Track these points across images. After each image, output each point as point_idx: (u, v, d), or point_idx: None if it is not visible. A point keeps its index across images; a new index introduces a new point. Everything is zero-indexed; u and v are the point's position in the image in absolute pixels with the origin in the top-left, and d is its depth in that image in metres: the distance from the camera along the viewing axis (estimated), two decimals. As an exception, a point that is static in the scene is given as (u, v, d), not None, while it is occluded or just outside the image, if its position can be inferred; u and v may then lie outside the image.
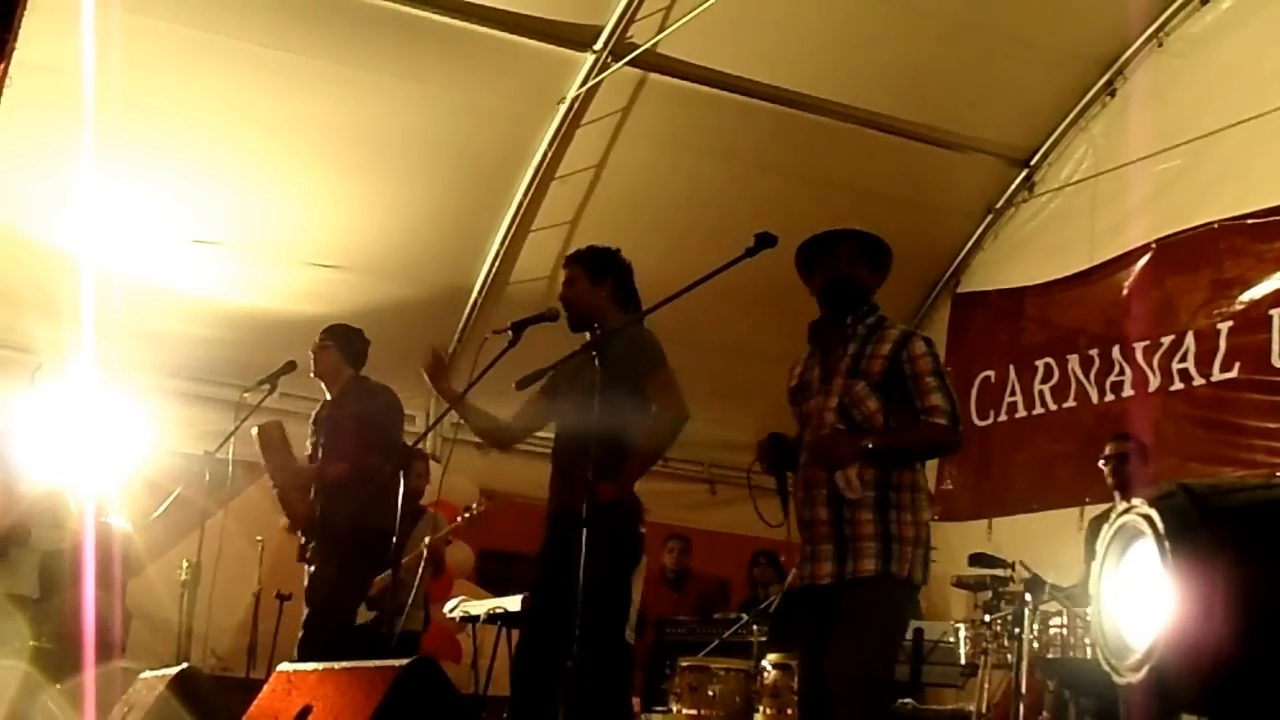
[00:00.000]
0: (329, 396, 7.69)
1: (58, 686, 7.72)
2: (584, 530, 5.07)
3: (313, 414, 7.82)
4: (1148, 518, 2.47)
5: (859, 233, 5.14)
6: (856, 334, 5.03)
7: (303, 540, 7.49)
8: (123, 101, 8.59)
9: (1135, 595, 2.53)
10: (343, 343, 7.66)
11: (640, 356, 5.87)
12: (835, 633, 4.83)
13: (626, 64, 9.20)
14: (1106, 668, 2.59)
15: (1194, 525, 2.38)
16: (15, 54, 8.38)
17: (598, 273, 6.07)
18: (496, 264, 10.36)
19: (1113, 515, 2.62)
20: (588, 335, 6.03)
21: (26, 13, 8.22)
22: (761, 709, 7.50)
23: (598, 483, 5.38)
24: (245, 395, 7.80)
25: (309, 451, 7.70)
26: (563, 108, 9.55)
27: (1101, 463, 7.68)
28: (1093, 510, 8.51)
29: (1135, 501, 2.52)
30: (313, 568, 7.39)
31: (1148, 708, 2.51)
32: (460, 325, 10.63)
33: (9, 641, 8.09)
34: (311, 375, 7.65)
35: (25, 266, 9.30)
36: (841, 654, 4.80)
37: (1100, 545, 2.64)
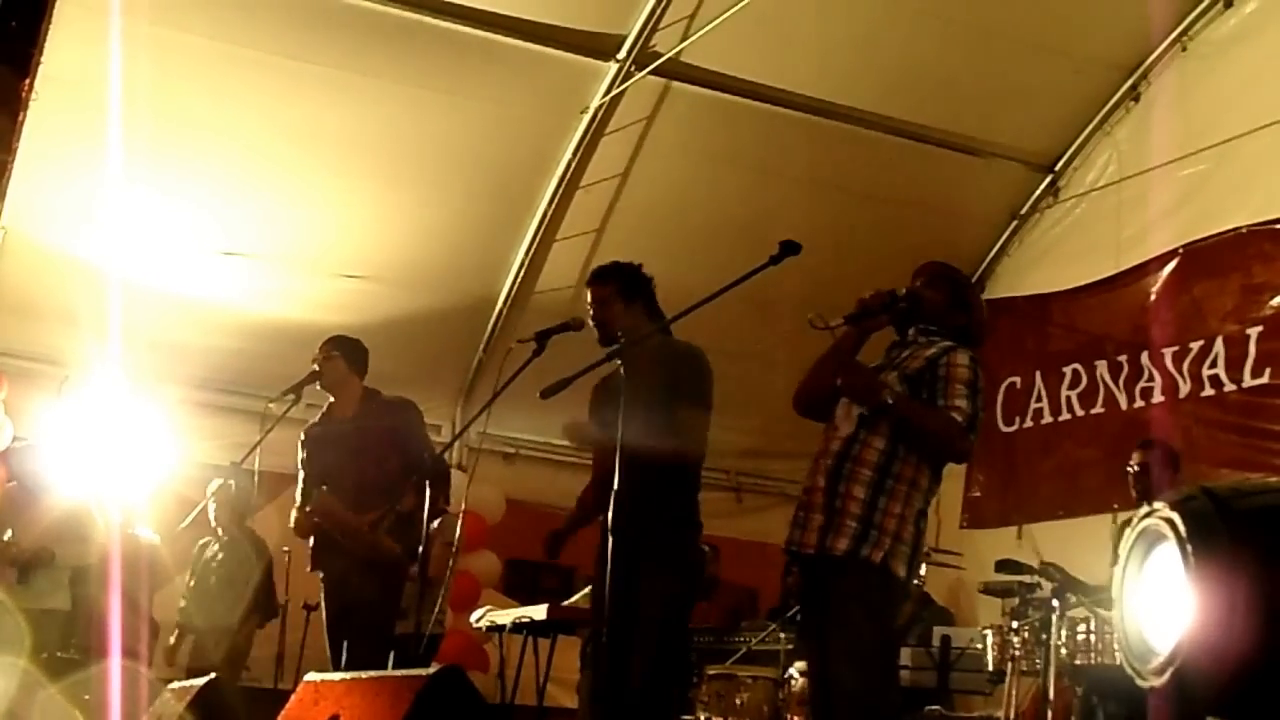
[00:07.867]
0: (336, 411, 7.46)
1: (59, 685, 7.72)
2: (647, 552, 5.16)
3: (307, 430, 7.55)
4: (1169, 521, 2.46)
5: (933, 263, 5.35)
6: (917, 342, 5.14)
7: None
8: (150, 114, 8.64)
9: (1158, 599, 2.52)
10: (349, 352, 7.43)
11: (686, 380, 5.88)
12: (831, 617, 4.93)
13: (650, 73, 9.20)
14: (1130, 671, 2.58)
15: (1215, 528, 2.37)
16: (41, 68, 8.43)
17: (631, 293, 6.08)
18: (521, 274, 10.35)
19: (1135, 519, 2.61)
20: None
21: (53, 27, 8.26)
22: (789, 717, 7.50)
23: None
24: (270, 405, 7.79)
25: (305, 470, 7.41)
26: (586, 117, 9.54)
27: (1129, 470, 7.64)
28: (1124, 516, 8.46)
29: (1157, 505, 2.52)
30: (353, 580, 7.13)
31: (1171, 711, 2.49)
32: (485, 335, 10.64)
33: (8, 641, 8.09)
34: (319, 388, 7.51)
35: (52, 278, 9.34)
36: (837, 644, 4.92)
37: (1122, 549, 2.63)
